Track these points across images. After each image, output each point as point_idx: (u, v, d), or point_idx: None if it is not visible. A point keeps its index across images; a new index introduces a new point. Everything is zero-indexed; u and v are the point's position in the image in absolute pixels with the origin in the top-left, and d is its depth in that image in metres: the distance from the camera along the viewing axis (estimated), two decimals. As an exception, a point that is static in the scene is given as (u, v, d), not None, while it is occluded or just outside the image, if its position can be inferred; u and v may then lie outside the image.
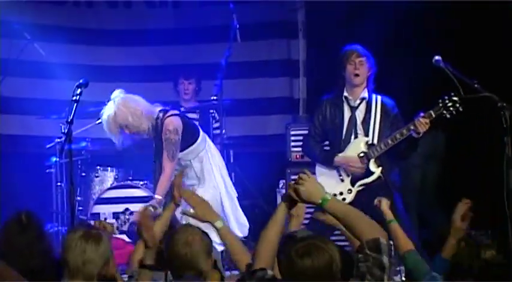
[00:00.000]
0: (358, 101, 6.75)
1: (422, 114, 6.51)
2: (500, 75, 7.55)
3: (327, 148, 6.90)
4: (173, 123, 6.56)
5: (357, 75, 6.69)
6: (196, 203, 4.45)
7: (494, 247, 4.40)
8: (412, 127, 6.51)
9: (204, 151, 6.70)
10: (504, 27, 7.87)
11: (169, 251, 4.21)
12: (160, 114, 6.62)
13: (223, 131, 8.26)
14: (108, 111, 6.58)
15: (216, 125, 8.31)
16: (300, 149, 7.70)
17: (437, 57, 6.31)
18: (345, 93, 6.77)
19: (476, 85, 6.11)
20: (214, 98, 8.00)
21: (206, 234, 4.29)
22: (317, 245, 3.58)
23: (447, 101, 6.49)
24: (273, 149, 9.07)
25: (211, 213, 4.40)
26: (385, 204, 5.29)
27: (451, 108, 6.48)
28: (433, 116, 6.49)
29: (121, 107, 6.53)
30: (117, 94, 6.62)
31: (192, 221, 4.57)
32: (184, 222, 6.05)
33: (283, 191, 8.30)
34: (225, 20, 8.32)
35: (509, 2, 7.82)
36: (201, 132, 6.76)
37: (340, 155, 6.70)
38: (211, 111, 8.29)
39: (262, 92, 9.53)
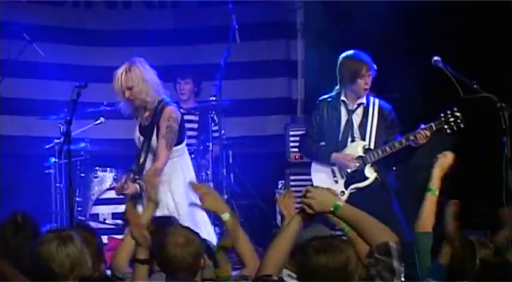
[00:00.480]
0: (355, 106, 6.73)
1: (423, 126, 6.52)
2: (500, 75, 7.54)
3: (324, 148, 6.87)
4: (175, 112, 6.41)
5: (366, 89, 6.69)
6: (205, 193, 4.25)
7: (489, 246, 4.38)
8: (411, 138, 6.52)
9: (177, 158, 6.44)
10: (504, 27, 7.87)
11: (161, 253, 4.18)
12: (162, 102, 6.44)
13: (223, 131, 8.24)
14: (122, 68, 6.39)
15: (215, 127, 8.29)
16: (299, 149, 7.68)
17: (436, 58, 6.29)
18: (343, 97, 6.73)
19: (475, 85, 6.09)
20: (213, 98, 7.99)
21: (198, 234, 4.27)
22: (335, 244, 3.57)
23: (450, 116, 6.51)
24: (272, 150, 9.06)
25: (220, 205, 4.23)
26: (440, 168, 4.94)
27: (452, 124, 6.51)
28: (434, 129, 6.51)
29: (136, 69, 6.36)
30: (139, 58, 6.47)
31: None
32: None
33: (282, 191, 8.29)
34: (224, 20, 8.31)
35: (509, 2, 7.82)
36: (185, 141, 6.57)
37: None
38: (211, 112, 8.27)
39: (261, 92, 9.50)
